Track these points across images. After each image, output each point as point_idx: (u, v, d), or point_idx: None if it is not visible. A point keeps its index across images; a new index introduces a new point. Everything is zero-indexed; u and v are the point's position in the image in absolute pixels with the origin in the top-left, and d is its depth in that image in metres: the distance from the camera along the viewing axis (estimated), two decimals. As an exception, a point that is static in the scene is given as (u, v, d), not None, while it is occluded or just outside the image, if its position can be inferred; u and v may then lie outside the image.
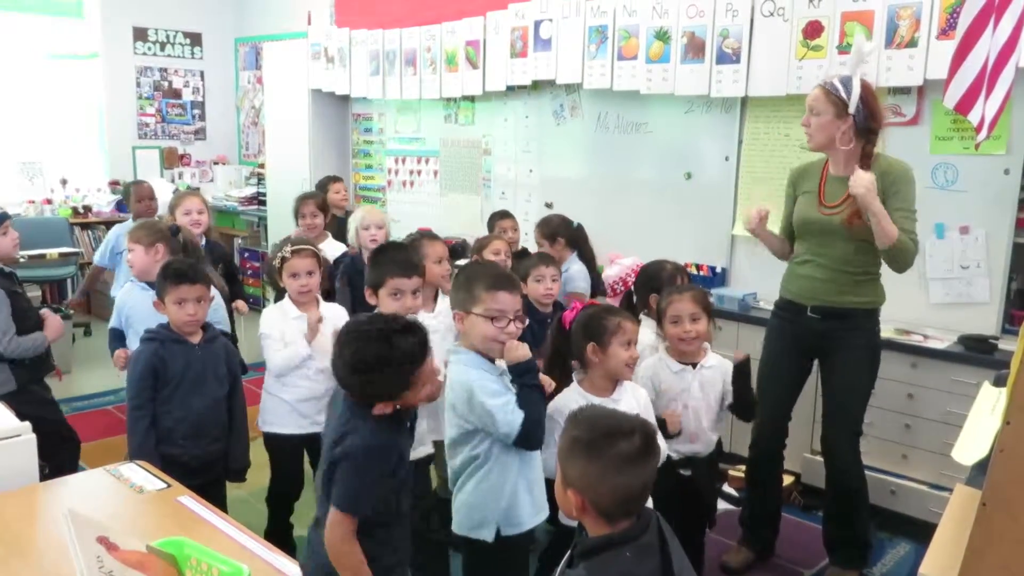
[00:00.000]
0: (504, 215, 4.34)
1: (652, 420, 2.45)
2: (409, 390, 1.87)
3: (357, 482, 1.81)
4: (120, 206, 6.64)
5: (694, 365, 2.68)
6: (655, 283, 2.96)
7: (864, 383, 2.93)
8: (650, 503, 1.55)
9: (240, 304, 3.95)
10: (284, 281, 2.95)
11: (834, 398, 2.95)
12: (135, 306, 3.18)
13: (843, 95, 2.72)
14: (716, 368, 2.70)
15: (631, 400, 2.40)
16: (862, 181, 2.64)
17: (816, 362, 3.06)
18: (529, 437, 2.12)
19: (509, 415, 2.09)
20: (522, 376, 2.15)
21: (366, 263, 2.94)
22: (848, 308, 2.86)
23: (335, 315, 2.99)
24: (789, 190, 3.04)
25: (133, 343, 3.07)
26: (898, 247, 2.69)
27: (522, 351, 2.15)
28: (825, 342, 2.91)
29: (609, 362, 2.37)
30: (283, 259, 2.94)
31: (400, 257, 2.70)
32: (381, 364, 1.82)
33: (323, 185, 5.05)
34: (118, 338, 3.27)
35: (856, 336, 2.88)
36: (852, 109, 2.71)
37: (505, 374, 2.18)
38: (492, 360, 2.21)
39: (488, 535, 2.18)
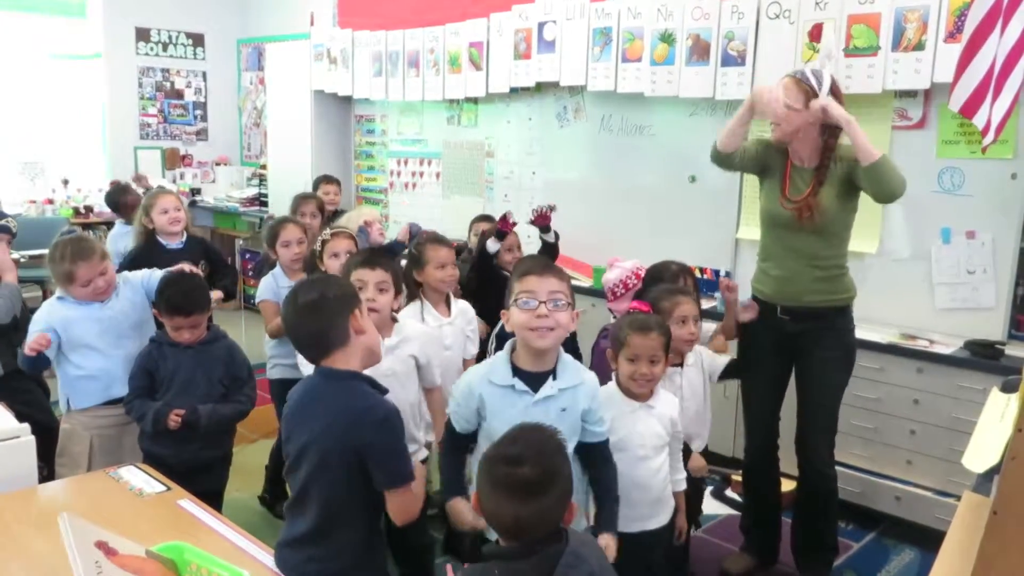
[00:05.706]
0: (484, 219, 4.21)
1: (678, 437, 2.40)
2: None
3: (402, 447, 1.81)
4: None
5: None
6: (660, 284, 2.91)
7: (840, 382, 2.91)
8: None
9: (215, 293, 3.79)
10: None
11: (810, 398, 2.92)
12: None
13: (813, 83, 2.70)
14: (663, 409, 2.36)
15: (666, 410, 2.33)
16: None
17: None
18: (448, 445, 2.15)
19: (451, 420, 2.11)
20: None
21: None
22: (818, 307, 2.83)
23: None
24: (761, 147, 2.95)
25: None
26: (883, 163, 2.60)
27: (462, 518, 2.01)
28: (798, 342, 2.88)
29: (617, 372, 2.34)
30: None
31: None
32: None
33: (316, 185, 4.99)
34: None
35: (830, 335, 2.85)
36: (823, 97, 2.66)
37: (517, 388, 2.01)
38: (531, 369, 2.02)
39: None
